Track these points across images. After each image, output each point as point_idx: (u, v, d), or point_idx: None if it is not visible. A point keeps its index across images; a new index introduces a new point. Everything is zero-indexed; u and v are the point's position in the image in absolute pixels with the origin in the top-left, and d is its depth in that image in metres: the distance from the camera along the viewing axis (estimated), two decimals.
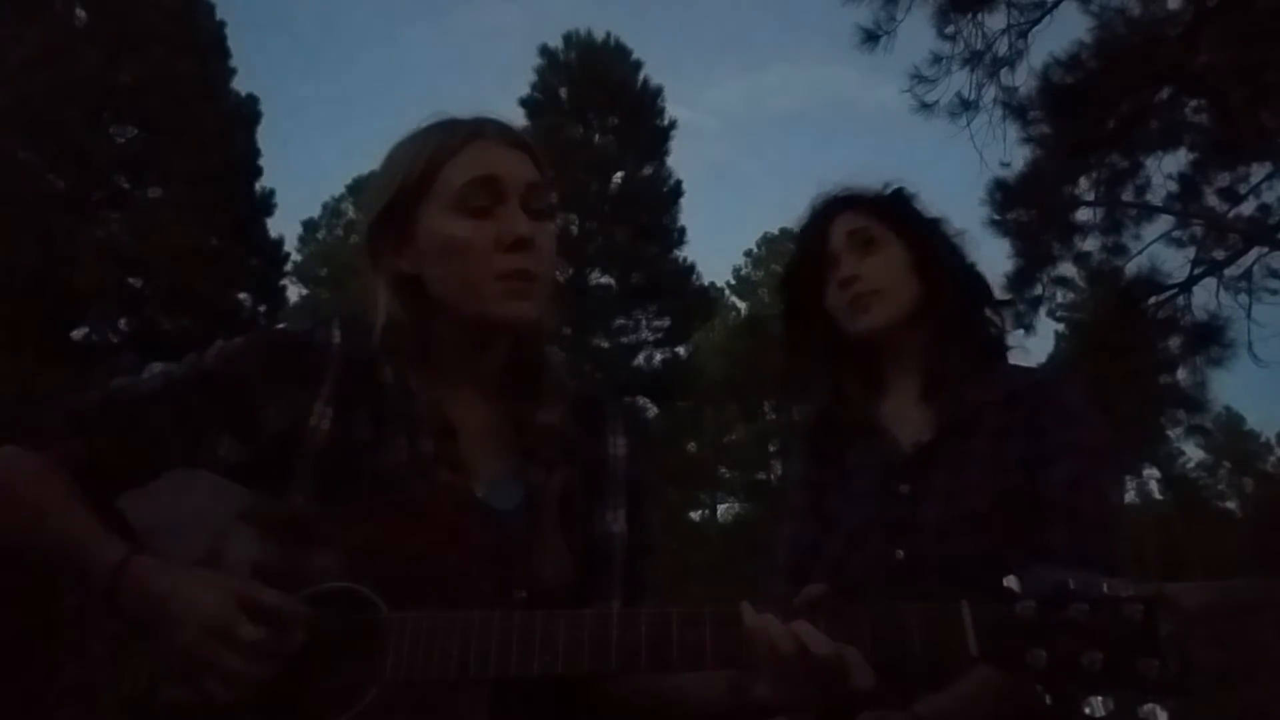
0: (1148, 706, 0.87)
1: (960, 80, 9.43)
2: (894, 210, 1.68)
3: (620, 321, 24.24)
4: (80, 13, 18.64)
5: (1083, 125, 9.13)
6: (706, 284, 27.10)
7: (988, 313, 1.67)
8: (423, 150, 1.22)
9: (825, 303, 1.66)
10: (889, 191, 1.71)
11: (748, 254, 35.00)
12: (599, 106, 24.23)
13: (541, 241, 1.20)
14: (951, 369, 1.59)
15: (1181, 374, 9.87)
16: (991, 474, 1.49)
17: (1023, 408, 1.53)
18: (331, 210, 32.99)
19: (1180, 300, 9.58)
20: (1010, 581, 0.94)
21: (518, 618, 1.03)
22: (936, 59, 9.44)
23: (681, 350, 25.26)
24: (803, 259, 1.71)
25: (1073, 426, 1.51)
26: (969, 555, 1.43)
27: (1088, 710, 0.88)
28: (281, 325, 1.32)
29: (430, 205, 1.20)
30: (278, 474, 1.16)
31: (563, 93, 24.51)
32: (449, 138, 1.22)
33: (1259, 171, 9.55)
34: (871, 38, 9.28)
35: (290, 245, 24.78)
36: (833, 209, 1.69)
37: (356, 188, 30.55)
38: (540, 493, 1.22)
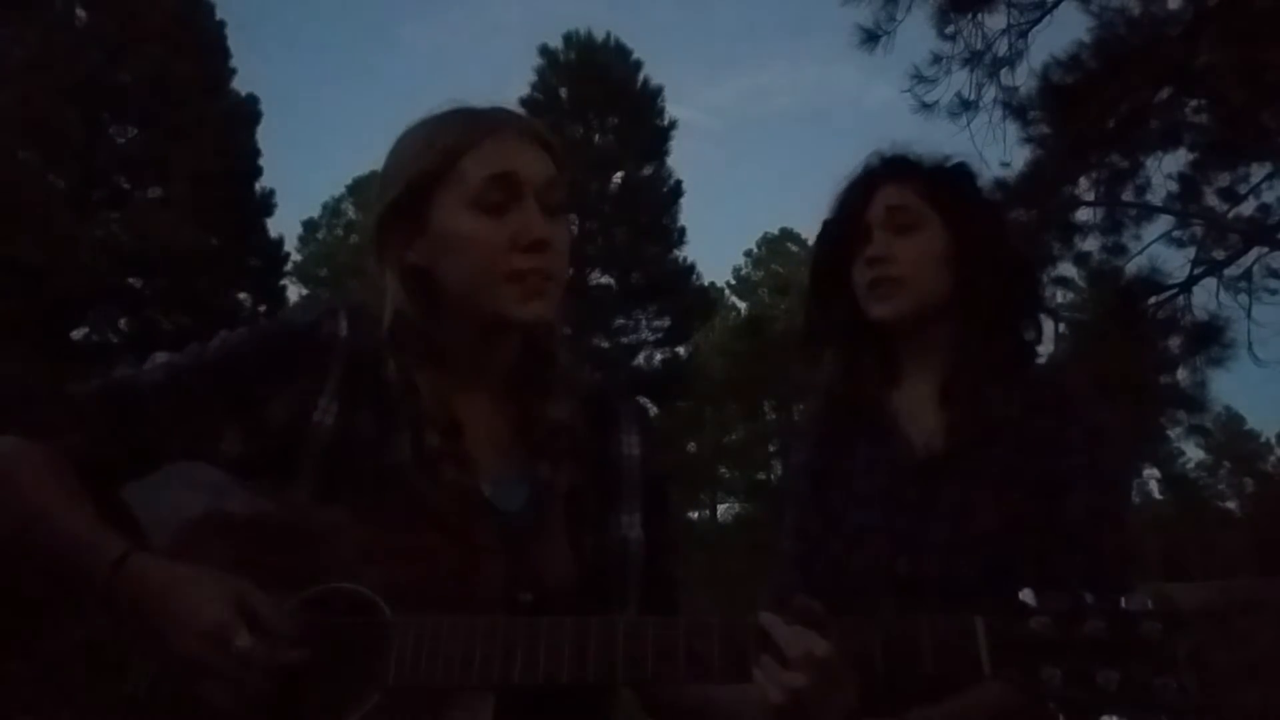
0: None
1: (960, 80, 9.41)
2: (944, 189, 1.55)
3: (620, 321, 24.25)
4: (80, 13, 18.66)
5: (1083, 125, 9.11)
6: (706, 284, 27.14)
7: (1023, 318, 1.56)
8: (439, 141, 1.18)
9: (852, 275, 1.56)
10: (947, 165, 1.60)
11: (748, 254, 35.05)
12: (599, 106, 24.23)
13: (558, 240, 1.18)
14: (973, 374, 1.49)
15: (1181, 374, 9.85)
16: (1006, 492, 1.42)
17: (1046, 421, 1.45)
18: (331, 210, 32.97)
19: (1180, 300, 9.56)
20: (1025, 595, 0.93)
21: (523, 624, 1.02)
22: (936, 59, 9.42)
23: (681, 350, 25.27)
24: (838, 224, 1.60)
25: (1097, 450, 1.43)
26: (975, 575, 1.38)
27: None
28: (286, 316, 1.28)
29: (445, 199, 1.17)
30: (281, 468, 1.14)
31: (563, 93, 24.50)
32: (467, 130, 1.18)
33: (1259, 171, 9.52)
34: (871, 38, 9.26)
35: (290, 245, 24.86)
36: (880, 177, 1.58)
37: (356, 188, 30.58)
38: (547, 492, 1.20)
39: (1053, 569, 1.34)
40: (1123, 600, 0.90)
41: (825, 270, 1.62)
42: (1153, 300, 9.57)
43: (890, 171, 1.58)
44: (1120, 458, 1.50)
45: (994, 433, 1.46)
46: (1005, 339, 1.53)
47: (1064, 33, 9.24)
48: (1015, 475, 1.43)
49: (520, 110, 1.30)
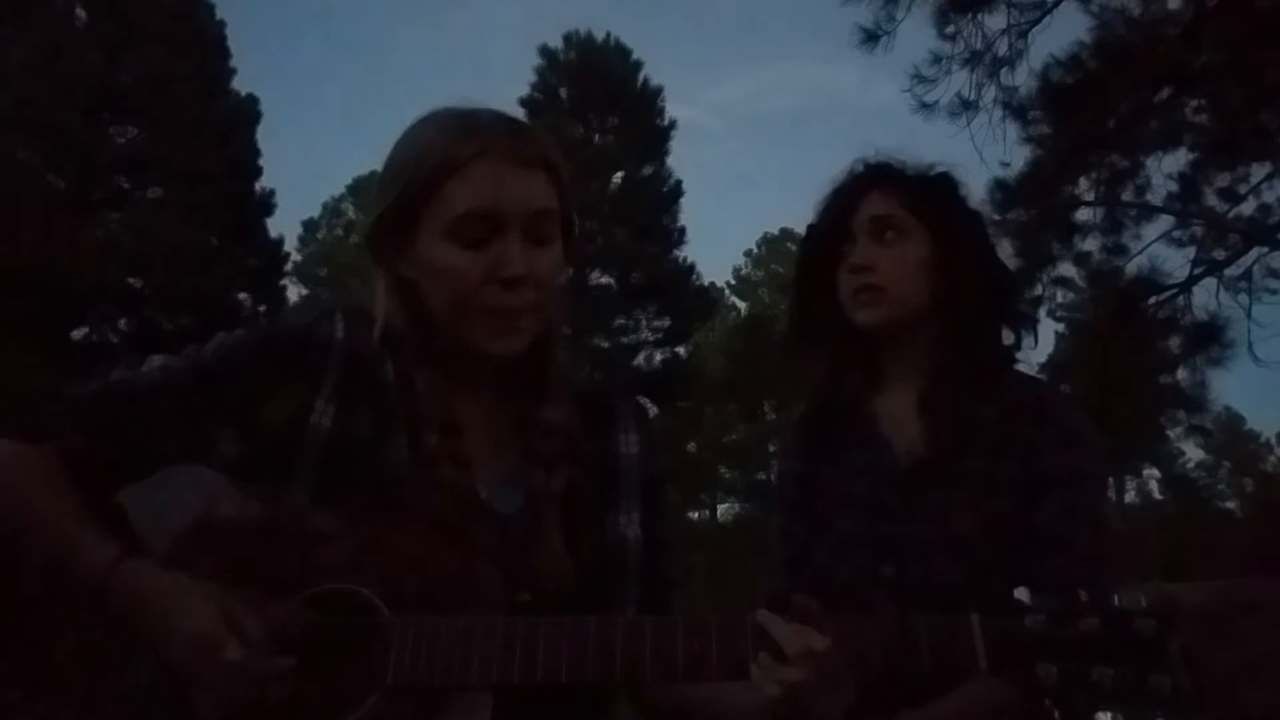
0: None
1: (960, 80, 9.43)
2: (927, 198, 1.57)
3: (620, 321, 24.25)
4: (80, 13, 18.66)
5: (1083, 125, 9.11)
6: (706, 284, 27.13)
7: (1004, 325, 1.59)
8: (427, 158, 1.16)
9: (836, 281, 1.58)
10: (931, 174, 1.61)
11: (748, 254, 35.05)
12: (599, 106, 24.23)
13: (539, 273, 1.16)
14: (954, 380, 1.52)
15: (1181, 374, 9.87)
16: (986, 496, 1.45)
17: (1022, 425, 1.48)
18: (331, 210, 32.99)
19: (1180, 300, 9.58)
20: (1021, 593, 0.94)
21: (521, 624, 1.03)
22: (936, 59, 9.44)
23: (681, 350, 25.28)
24: (823, 230, 1.61)
25: (1070, 452, 1.46)
26: (959, 577, 1.41)
27: None
28: (282, 319, 1.30)
29: (428, 222, 1.16)
30: (278, 470, 1.14)
31: (563, 93, 24.50)
32: (456, 148, 1.15)
33: (1259, 171, 9.54)
34: (871, 38, 9.27)
35: (290, 245, 24.85)
36: (864, 185, 1.59)
37: (356, 188, 30.58)
38: (544, 493, 1.20)
39: (1031, 570, 1.35)
40: (1117, 598, 0.91)
41: (810, 275, 1.64)
42: (1153, 300, 9.58)
43: (875, 179, 1.60)
44: (1095, 458, 1.50)
45: (973, 438, 1.49)
46: (985, 346, 1.55)
47: (1064, 33, 9.26)
48: (994, 479, 1.46)
49: (516, 113, 1.28)
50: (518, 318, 1.16)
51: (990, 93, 9.39)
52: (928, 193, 1.58)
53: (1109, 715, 0.87)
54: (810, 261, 1.64)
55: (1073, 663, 0.90)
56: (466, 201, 1.14)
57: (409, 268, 1.18)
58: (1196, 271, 9.60)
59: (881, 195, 1.57)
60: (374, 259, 1.21)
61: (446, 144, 1.16)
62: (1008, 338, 1.59)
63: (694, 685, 1.11)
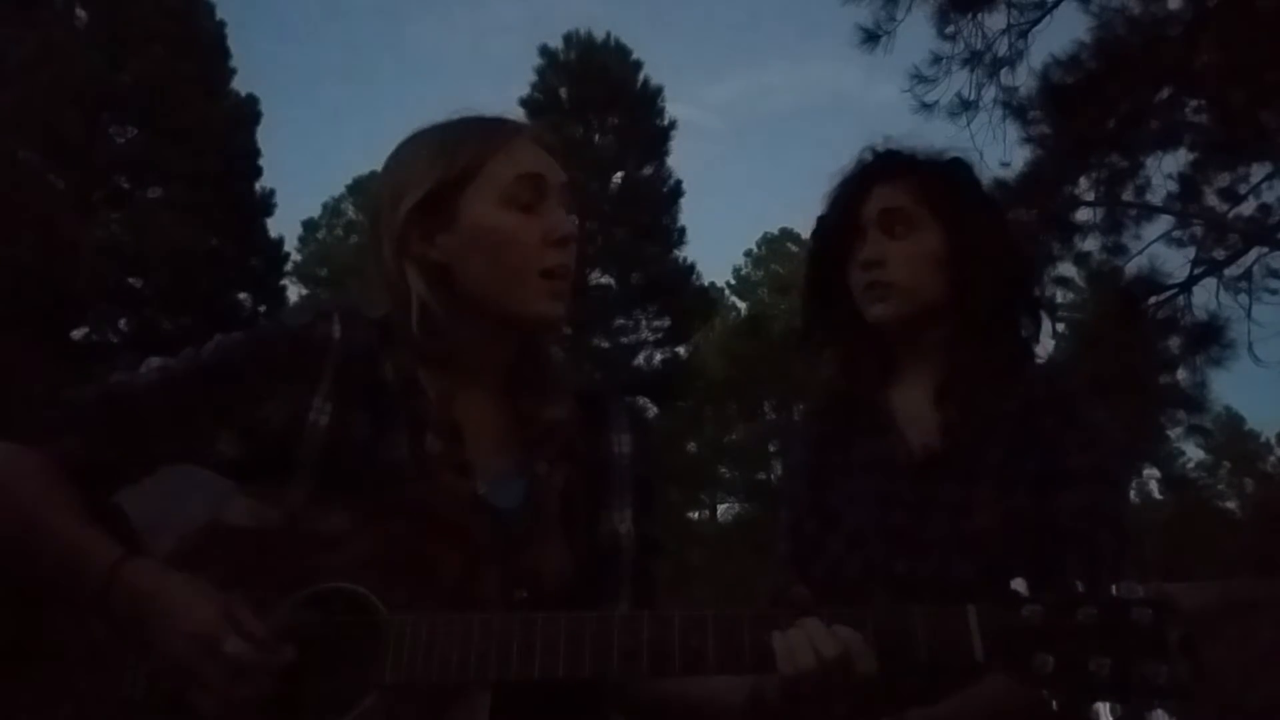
0: (1156, 712, 0.86)
1: (960, 80, 9.43)
2: (939, 189, 1.53)
3: (620, 321, 24.22)
4: (80, 13, 18.67)
5: (1083, 125, 9.12)
6: (706, 284, 27.12)
7: (1021, 316, 1.55)
8: (467, 141, 1.23)
9: (848, 274, 1.55)
10: (942, 162, 1.58)
11: (748, 254, 34.97)
12: (599, 106, 24.21)
13: (576, 236, 1.23)
14: (970, 374, 1.49)
15: (1181, 374, 9.86)
16: (1003, 491, 1.41)
17: (1043, 420, 1.44)
18: (331, 210, 32.92)
19: (1180, 300, 9.58)
20: (1017, 584, 0.94)
21: (518, 620, 1.03)
22: (936, 59, 9.44)
23: (681, 350, 25.25)
24: (833, 225, 1.59)
25: (1093, 449, 1.42)
26: (973, 574, 1.37)
27: (1095, 716, 0.87)
28: (279, 319, 1.32)
29: (475, 196, 1.21)
30: (277, 470, 1.15)
31: (563, 93, 24.48)
32: (494, 132, 1.24)
33: (1259, 171, 9.55)
34: (871, 38, 9.28)
35: (290, 245, 24.85)
36: (873, 176, 1.56)
37: (356, 188, 30.53)
38: (542, 490, 1.22)
39: (1050, 567, 1.32)
40: (1114, 588, 0.91)
41: (821, 269, 1.62)
42: (1153, 300, 9.58)
43: (884, 170, 1.57)
44: (1117, 456, 1.49)
45: (990, 431, 1.45)
46: (1003, 338, 1.52)
47: (1064, 33, 9.27)
48: (1012, 474, 1.42)
49: (517, 113, 1.37)
50: (567, 277, 1.21)
51: (990, 93, 9.41)
52: (938, 182, 1.55)
53: (1107, 705, 0.87)
54: (821, 256, 1.62)
55: (1070, 653, 0.90)
56: (517, 167, 1.22)
57: (441, 251, 1.21)
58: (1196, 271, 9.60)
59: (891, 187, 1.54)
60: (401, 250, 1.22)
61: (481, 131, 1.24)
62: (1026, 328, 1.56)
63: (688, 682, 1.11)
